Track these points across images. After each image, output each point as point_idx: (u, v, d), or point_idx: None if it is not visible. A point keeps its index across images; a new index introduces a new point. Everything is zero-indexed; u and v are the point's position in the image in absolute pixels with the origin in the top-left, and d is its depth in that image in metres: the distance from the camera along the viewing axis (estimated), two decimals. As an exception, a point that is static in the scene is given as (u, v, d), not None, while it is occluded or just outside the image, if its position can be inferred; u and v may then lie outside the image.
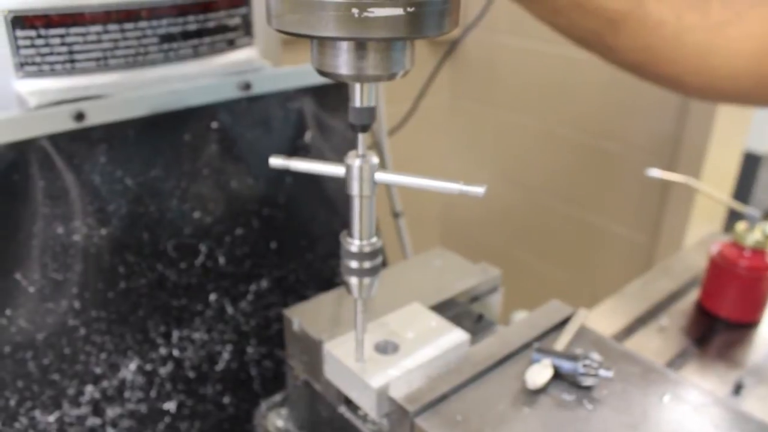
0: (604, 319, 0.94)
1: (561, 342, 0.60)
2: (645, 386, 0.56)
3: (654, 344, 0.90)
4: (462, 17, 1.44)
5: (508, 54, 1.75)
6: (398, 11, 0.39)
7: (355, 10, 0.39)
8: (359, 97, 0.47)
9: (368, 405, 0.55)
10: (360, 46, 0.43)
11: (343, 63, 0.44)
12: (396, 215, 1.10)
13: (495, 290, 0.73)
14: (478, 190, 0.46)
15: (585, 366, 0.54)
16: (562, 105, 1.67)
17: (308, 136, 0.82)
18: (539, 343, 0.61)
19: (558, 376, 0.56)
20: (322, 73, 0.46)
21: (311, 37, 0.42)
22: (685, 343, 0.89)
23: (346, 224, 0.53)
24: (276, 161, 0.52)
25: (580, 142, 1.66)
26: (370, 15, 0.39)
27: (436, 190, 0.48)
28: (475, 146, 1.94)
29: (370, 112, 0.48)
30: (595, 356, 0.55)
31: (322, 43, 0.44)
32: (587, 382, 0.55)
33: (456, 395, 0.54)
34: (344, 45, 0.43)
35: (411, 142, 1.51)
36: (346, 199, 0.51)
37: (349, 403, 0.60)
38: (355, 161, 0.50)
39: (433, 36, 0.42)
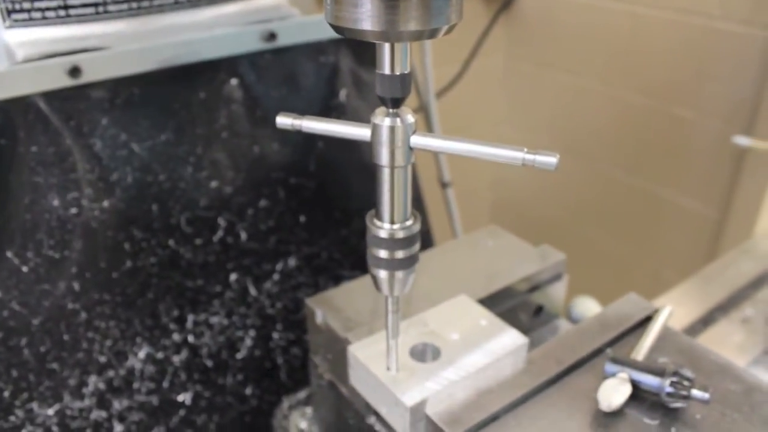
0: (677, 306, 0.84)
1: (641, 349, 0.49)
2: (749, 411, 0.45)
3: (737, 338, 0.80)
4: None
5: (570, 11, 1.63)
6: None
7: None
8: (389, 61, 0.36)
9: (399, 424, 0.45)
10: None
11: (366, 15, 0.33)
12: (444, 185, 1.00)
13: (559, 278, 0.63)
14: (550, 160, 0.34)
15: (673, 384, 0.43)
16: (629, 67, 1.55)
17: (343, 95, 0.73)
18: (613, 349, 0.50)
19: (637, 390, 0.45)
20: (338, 29, 0.34)
21: None
22: (774, 338, 0.78)
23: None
24: (284, 120, 0.41)
25: (647, 107, 1.54)
26: None
27: (492, 158, 0.36)
28: (533, 111, 1.83)
29: (403, 82, 0.36)
30: (687, 372, 0.44)
31: None
32: (676, 404, 0.44)
33: (510, 415, 0.45)
34: None
35: (460, 106, 1.40)
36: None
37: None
38: (384, 120, 0.38)
39: None
